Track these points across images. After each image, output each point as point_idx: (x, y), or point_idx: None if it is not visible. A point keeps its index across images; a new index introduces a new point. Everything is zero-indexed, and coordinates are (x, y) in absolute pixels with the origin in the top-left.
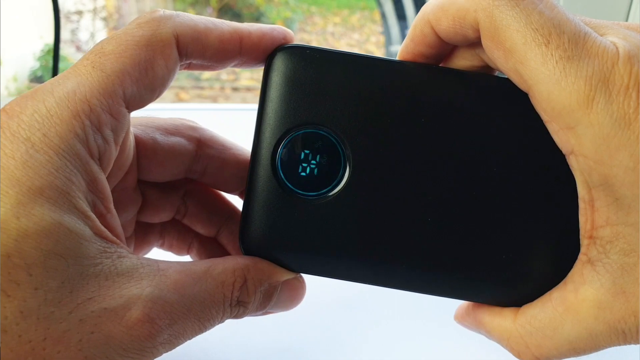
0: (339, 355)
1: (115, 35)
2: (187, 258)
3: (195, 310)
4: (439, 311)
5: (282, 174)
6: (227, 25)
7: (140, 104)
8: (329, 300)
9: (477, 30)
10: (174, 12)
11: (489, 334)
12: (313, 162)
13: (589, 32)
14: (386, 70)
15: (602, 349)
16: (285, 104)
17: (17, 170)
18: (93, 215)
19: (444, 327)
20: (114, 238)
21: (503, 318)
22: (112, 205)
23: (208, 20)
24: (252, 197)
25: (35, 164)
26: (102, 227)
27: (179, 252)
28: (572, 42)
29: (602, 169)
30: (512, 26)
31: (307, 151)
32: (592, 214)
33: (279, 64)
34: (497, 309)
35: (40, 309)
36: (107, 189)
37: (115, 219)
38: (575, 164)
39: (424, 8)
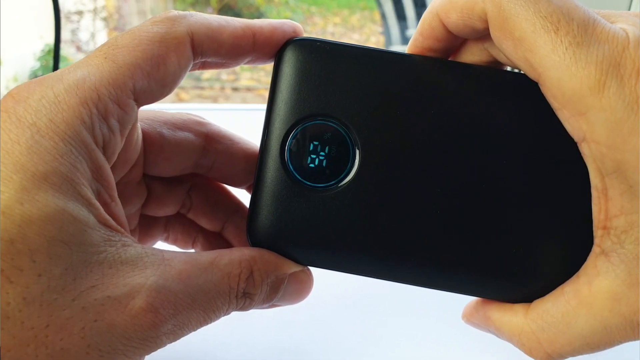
0: (339, 354)
1: (130, 30)
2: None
3: (201, 301)
4: (443, 310)
5: (290, 165)
6: (239, 22)
7: (150, 98)
8: (330, 299)
9: (486, 22)
10: (188, 12)
11: (499, 331)
12: (322, 153)
13: (598, 19)
14: (395, 63)
15: (617, 344)
16: (295, 95)
17: (22, 156)
18: (97, 203)
19: (448, 326)
20: (118, 227)
21: (513, 314)
22: (116, 195)
23: (221, 18)
24: (261, 188)
25: (40, 150)
26: (107, 216)
27: (183, 246)
28: (581, 28)
29: (615, 155)
30: (520, 15)
31: (316, 142)
32: (605, 203)
33: (290, 56)
34: (507, 305)
35: (43, 296)
36: (112, 178)
37: (120, 209)
38: (587, 151)
39: (432, 2)
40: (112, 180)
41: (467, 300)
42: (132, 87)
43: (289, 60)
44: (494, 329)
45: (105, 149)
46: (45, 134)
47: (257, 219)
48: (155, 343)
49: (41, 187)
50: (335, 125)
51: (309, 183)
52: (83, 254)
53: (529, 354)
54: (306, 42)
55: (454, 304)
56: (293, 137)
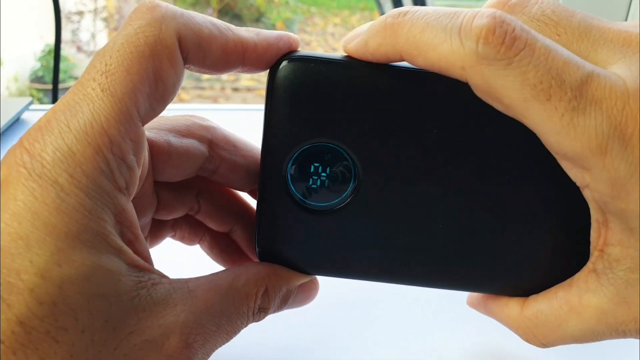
0: (339, 354)
1: (117, 45)
2: (197, 247)
3: (224, 326)
4: (442, 310)
5: (292, 188)
6: (233, 33)
7: (154, 115)
8: (330, 299)
9: (465, 81)
10: (177, 10)
11: (499, 320)
12: (323, 174)
13: (590, 72)
14: (392, 79)
15: (604, 340)
16: (291, 117)
17: (52, 217)
18: (126, 248)
19: (447, 326)
20: (146, 265)
21: (510, 309)
22: (139, 231)
23: (213, 25)
24: (264, 209)
25: (68, 208)
26: (135, 257)
27: (190, 243)
28: (575, 91)
29: (618, 204)
30: (507, 86)
31: (316, 164)
32: (605, 233)
33: (283, 77)
34: (504, 299)
35: (88, 351)
36: (134, 215)
37: (142, 243)
38: (590, 196)
39: (392, 34)
40: (135, 219)
41: (466, 299)
42: (137, 115)
43: (283, 82)
44: (495, 318)
45: (128, 187)
46: (70, 191)
47: (264, 238)
48: None
49: (75, 247)
50: (334, 146)
51: (311, 203)
52: (119, 303)
53: (527, 341)
54: (300, 63)
55: (454, 304)
56: (293, 161)
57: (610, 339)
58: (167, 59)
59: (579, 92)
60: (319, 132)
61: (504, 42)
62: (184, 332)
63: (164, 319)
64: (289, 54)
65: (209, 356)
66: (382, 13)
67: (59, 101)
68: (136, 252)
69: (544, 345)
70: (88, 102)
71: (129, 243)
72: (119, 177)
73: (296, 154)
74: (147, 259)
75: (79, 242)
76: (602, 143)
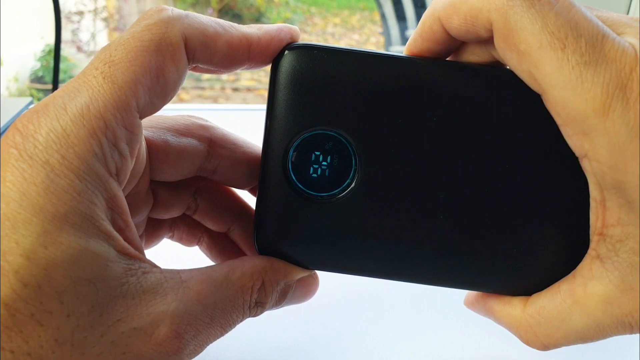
0: (338, 353)
1: (123, 40)
2: (196, 249)
3: (218, 318)
4: (442, 308)
5: (293, 176)
6: (237, 30)
7: (153, 110)
8: (330, 299)
9: (490, 30)
10: (183, 12)
11: (498, 321)
12: (324, 163)
13: (607, 34)
14: (394, 68)
15: (609, 337)
16: (293, 106)
17: (40, 197)
18: (115, 234)
19: (447, 325)
20: (136, 253)
21: (512, 307)
22: (130, 218)
23: (217, 24)
24: (265, 199)
25: (57, 190)
26: (125, 244)
27: (188, 244)
28: (589, 46)
29: (616, 175)
30: (527, 28)
31: (317, 152)
32: (603, 213)
33: (286, 66)
34: (507, 298)
35: (74, 336)
36: (125, 203)
37: (134, 232)
38: (588, 167)
39: (433, 4)
40: (126, 206)
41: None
42: (136, 106)
43: (286, 70)
44: (494, 318)
45: (118, 174)
46: (60, 172)
47: (263, 229)
48: None
49: (62, 229)
50: (335, 135)
51: (312, 192)
52: (107, 289)
53: (527, 343)
54: (302, 50)
55: (453, 302)
56: (294, 149)
57: (615, 334)
58: (170, 56)
59: (592, 47)
60: (321, 119)
61: None
62: (174, 322)
63: (153, 307)
64: (291, 44)
65: (202, 349)
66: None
67: (60, 87)
68: (127, 240)
69: (546, 346)
70: (88, 87)
71: (120, 230)
72: (110, 162)
73: (297, 141)
74: (138, 247)
75: (67, 224)
76: (605, 102)
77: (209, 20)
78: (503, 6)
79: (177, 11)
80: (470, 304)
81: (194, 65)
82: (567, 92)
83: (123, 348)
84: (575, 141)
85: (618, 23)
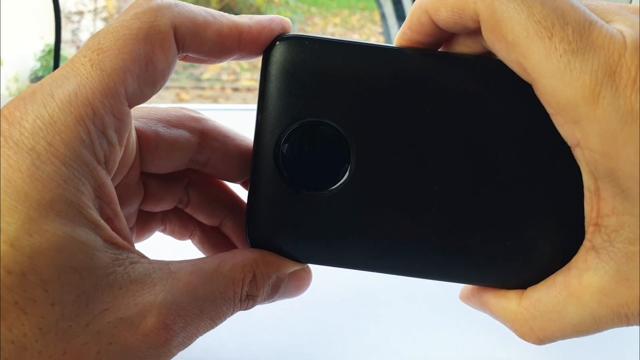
0: (338, 352)
1: (112, 28)
2: (188, 242)
3: (208, 310)
4: (440, 305)
5: (285, 168)
6: (227, 19)
7: (142, 99)
8: (328, 296)
9: (477, 22)
10: (172, 1)
11: (494, 315)
12: (316, 154)
13: (594, 21)
14: (387, 59)
15: (605, 330)
16: (285, 97)
17: (25, 184)
18: (103, 223)
19: (445, 321)
20: (124, 243)
21: (508, 300)
22: (118, 208)
23: (207, 13)
24: (256, 191)
25: (42, 176)
26: (113, 233)
27: (180, 237)
28: (576, 34)
29: (609, 163)
30: (513, 18)
31: (309, 144)
32: (597, 203)
33: (277, 56)
34: (502, 292)
35: (58, 324)
36: (113, 192)
37: (122, 222)
38: (580, 156)
39: (418, 1)
40: (114, 195)
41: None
42: (125, 93)
43: (277, 61)
44: (490, 312)
45: (106, 162)
46: (46, 159)
47: (255, 221)
48: (167, 356)
49: (48, 216)
50: (327, 125)
51: (304, 184)
52: (93, 278)
53: (522, 337)
54: (294, 41)
55: (452, 301)
56: (285, 141)
57: (611, 326)
58: (160, 44)
59: (579, 35)
60: (313, 110)
61: None
62: (161, 313)
63: (141, 297)
64: (282, 35)
65: (191, 341)
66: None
67: (48, 75)
68: (115, 229)
69: (541, 340)
70: (75, 75)
71: (108, 220)
72: (98, 150)
73: (289, 131)
74: (127, 238)
75: (52, 211)
76: (595, 89)
77: (198, 9)
78: None
79: (166, 0)
80: (465, 298)
81: (184, 55)
82: (556, 80)
83: (109, 338)
84: (566, 130)
85: (607, 11)
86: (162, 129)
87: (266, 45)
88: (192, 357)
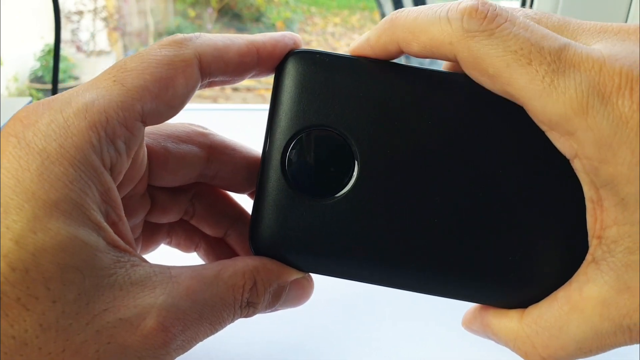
0: (338, 354)
1: (139, 53)
2: (194, 255)
3: (207, 315)
4: (440, 311)
5: (291, 174)
6: (243, 39)
7: (157, 119)
8: (329, 300)
9: (454, 58)
10: (194, 34)
11: (496, 336)
12: (322, 163)
13: (568, 43)
14: (393, 75)
15: (609, 349)
16: (295, 106)
17: (33, 184)
18: (106, 226)
19: (445, 327)
20: (127, 246)
21: (509, 319)
22: (123, 214)
23: (225, 37)
24: (262, 197)
25: (50, 177)
26: (115, 237)
27: (186, 250)
28: (554, 56)
29: (607, 168)
30: (491, 54)
31: (316, 152)
32: (601, 214)
33: (291, 68)
34: (504, 311)
35: (59, 322)
36: (119, 198)
37: (126, 227)
38: (580, 167)
39: (390, 26)
40: (119, 200)
41: (464, 302)
42: (140, 110)
43: (290, 73)
44: (492, 334)
45: (112, 170)
46: (55, 160)
47: (259, 228)
48: (166, 359)
49: (52, 215)
50: (334, 136)
51: (309, 192)
52: (95, 278)
53: (525, 357)
54: (306, 55)
55: (452, 307)
56: (293, 148)
57: (614, 343)
58: (182, 69)
59: (557, 56)
60: (321, 120)
61: (486, 16)
62: (161, 315)
63: (141, 299)
64: (294, 50)
65: (190, 345)
66: (382, 13)
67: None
68: (119, 233)
69: (544, 359)
70: (97, 87)
71: (113, 224)
72: (106, 156)
73: (296, 139)
74: (130, 242)
75: (57, 211)
76: (582, 102)
77: (217, 35)
78: (464, 38)
79: (188, 34)
80: (468, 323)
81: (209, 81)
82: (544, 100)
83: (108, 338)
84: (563, 143)
85: (588, 36)
86: (171, 145)
87: (280, 59)
88: (191, 357)
